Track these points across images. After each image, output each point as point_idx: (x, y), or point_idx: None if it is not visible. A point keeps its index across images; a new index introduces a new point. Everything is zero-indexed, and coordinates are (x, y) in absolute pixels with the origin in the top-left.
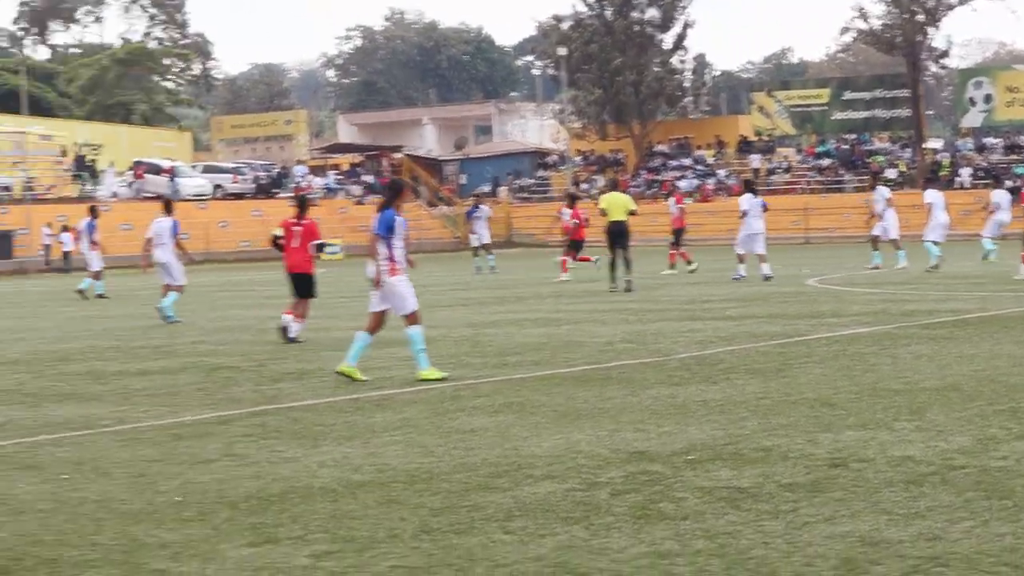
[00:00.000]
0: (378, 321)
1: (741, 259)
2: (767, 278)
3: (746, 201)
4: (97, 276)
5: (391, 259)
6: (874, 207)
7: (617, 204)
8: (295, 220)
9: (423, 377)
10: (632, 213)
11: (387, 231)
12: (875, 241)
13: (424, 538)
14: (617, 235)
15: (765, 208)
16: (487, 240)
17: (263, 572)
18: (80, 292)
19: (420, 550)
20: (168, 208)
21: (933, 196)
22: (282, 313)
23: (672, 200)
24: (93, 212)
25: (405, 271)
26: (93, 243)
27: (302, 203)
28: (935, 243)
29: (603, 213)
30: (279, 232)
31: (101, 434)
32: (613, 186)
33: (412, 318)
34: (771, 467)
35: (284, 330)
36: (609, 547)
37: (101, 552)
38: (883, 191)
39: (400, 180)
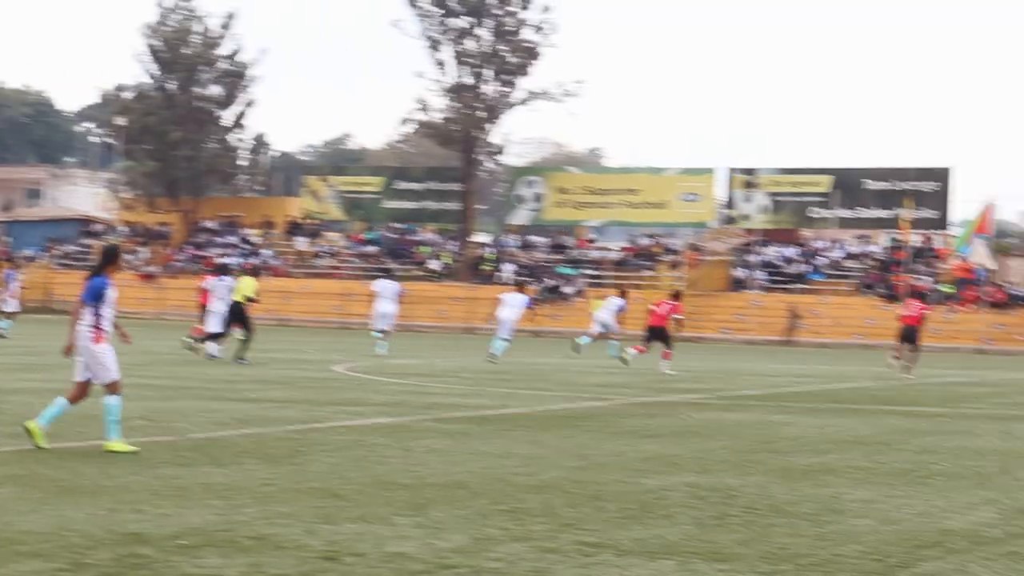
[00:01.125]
0: (83, 391)
1: (212, 337)
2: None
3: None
4: None
5: (97, 327)
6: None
7: (241, 287)
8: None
9: (110, 449)
10: (250, 299)
11: (95, 299)
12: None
13: None
14: (233, 314)
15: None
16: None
17: None
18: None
19: None
20: None
21: (381, 286)
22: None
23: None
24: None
25: (111, 340)
26: None
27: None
28: (382, 332)
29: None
30: None
31: None
32: (249, 271)
33: (112, 387)
34: (263, 556)
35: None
36: None
37: None
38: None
39: (115, 246)
